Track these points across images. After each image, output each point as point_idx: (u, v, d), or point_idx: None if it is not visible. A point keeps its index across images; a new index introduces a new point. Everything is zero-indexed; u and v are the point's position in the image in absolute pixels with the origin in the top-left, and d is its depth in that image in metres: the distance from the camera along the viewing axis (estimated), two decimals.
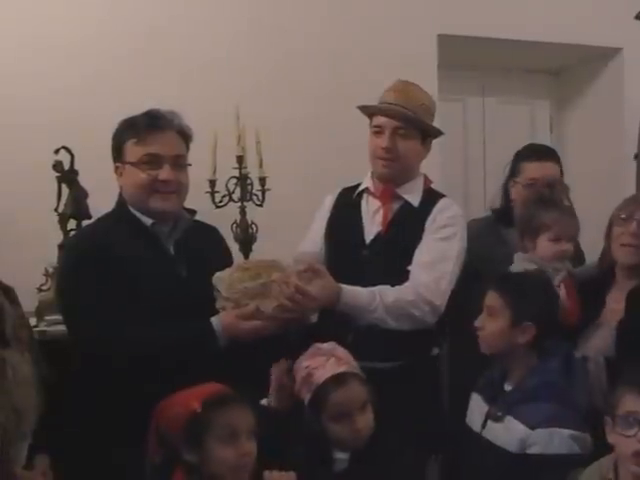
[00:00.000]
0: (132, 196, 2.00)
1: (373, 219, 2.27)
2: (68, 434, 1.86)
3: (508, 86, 4.31)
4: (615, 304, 2.16)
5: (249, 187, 2.98)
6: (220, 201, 2.95)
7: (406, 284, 2.12)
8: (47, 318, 2.57)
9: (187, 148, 2.07)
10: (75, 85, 3.08)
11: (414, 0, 3.59)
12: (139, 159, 1.96)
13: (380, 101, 2.29)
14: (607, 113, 4.11)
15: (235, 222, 2.97)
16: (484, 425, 1.98)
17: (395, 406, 1.88)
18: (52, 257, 2.70)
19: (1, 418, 1.66)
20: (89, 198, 2.77)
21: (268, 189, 2.97)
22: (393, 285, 2.11)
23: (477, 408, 2.04)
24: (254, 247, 2.98)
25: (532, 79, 4.40)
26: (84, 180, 2.78)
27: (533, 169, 2.57)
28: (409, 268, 2.16)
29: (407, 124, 2.23)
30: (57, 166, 2.73)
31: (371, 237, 2.25)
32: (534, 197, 2.45)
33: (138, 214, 2.00)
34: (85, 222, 2.71)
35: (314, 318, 2.10)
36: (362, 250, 2.24)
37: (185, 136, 2.05)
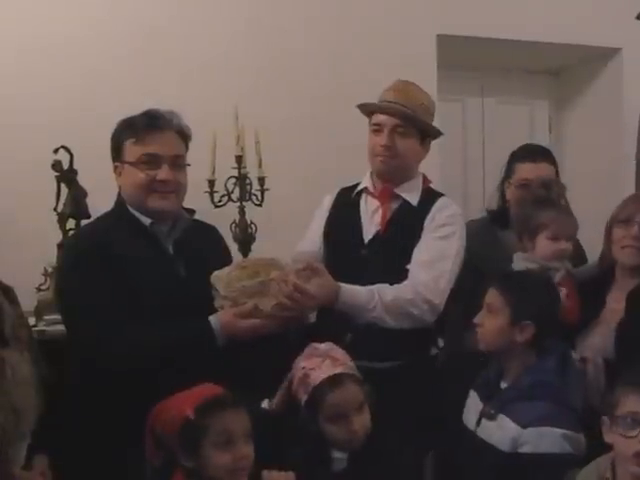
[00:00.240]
0: (131, 196, 2.00)
1: (372, 218, 2.27)
2: (67, 434, 1.86)
3: (507, 86, 4.31)
4: (615, 304, 2.16)
5: (248, 187, 2.98)
6: (219, 201, 2.96)
7: (405, 283, 2.12)
8: (46, 318, 2.57)
9: (186, 148, 2.07)
10: (74, 85, 3.08)
11: (414, 0, 3.59)
12: (138, 159, 1.96)
13: (380, 100, 2.30)
14: (606, 113, 4.11)
15: (234, 222, 2.97)
16: (478, 423, 1.98)
17: (394, 406, 1.88)
18: (51, 257, 2.70)
19: (0, 418, 1.66)
20: (88, 197, 2.78)
21: (267, 189, 2.98)
22: (392, 284, 2.11)
23: (473, 406, 2.04)
24: (253, 247, 2.99)
25: (531, 79, 4.40)
26: (83, 179, 2.78)
27: (527, 170, 2.57)
28: (408, 267, 2.16)
29: (406, 122, 2.23)
30: (56, 165, 2.73)
31: (370, 236, 2.25)
32: (531, 197, 2.45)
33: (137, 214, 2.00)
34: (84, 221, 2.71)
35: (313, 317, 2.10)
36: (361, 249, 2.24)
37: (184, 136, 2.05)
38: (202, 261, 2.00)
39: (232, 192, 2.98)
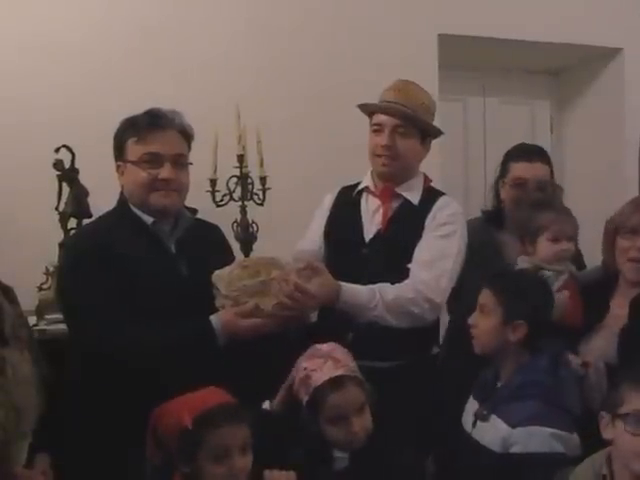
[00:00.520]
0: (133, 194, 2.01)
1: (373, 218, 2.27)
2: (68, 433, 1.86)
3: (509, 86, 4.31)
4: (619, 309, 2.14)
5: (250, 186, 2.98)
6: (221, 200, 2.96)
7: (406, 282, 2.12)
8: (47, 317, 2.58)
9: (188, 147, 2.07)
10: (76, 84, 3.09)
11: (414, 0, 3.59)
12: (140, 158, 1.97)
13: (380, 100, 2.30)
14: (607, 113, 4.11)
15: (236, 221, 2.97)
16: (474, 424, 1.98)
17: (395, 405, 1.88)
18: (52, 256, 2.70)
19: (1, 417, 1.66)
20: (90, 197, 2.78)
21: (269, 188, 2.98)
22: (393, 283, 2.11)
23: (471, 408, 2.04)
24: (254, 246, 2.99)
25: (533, 79, 4.40)
26: (85, 179, 2.78)
27: (521, 169, 2.57)
28: (409, 266, 2.16)
29: (407, 122, 2.23)
30: (58, 165, 2.73)
31: (371, 235, 2.25)
32: (529, 200, 2.44)
33: (139, 212, 2.01)
34: (85, 221, 2.71)
35: (314, 317, 2.10)
36: (362, 249, 2.24)
37: (186, 135, 2.05)
38: (204, 260, 2.00)
39: (234, 191, 2.98)
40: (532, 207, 2.36)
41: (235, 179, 2.97)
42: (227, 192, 2.97)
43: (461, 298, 2.27)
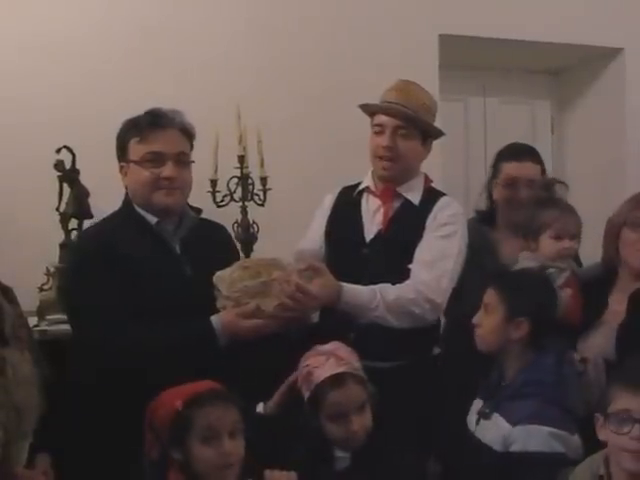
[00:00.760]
0: (136, 194, 2.02)
1: (373, 218, 2.27)
2: (69, 433, 1.86)
3: (509, 86, 4.31)
4: (617, 305, 2.15)
5: (250, 187, 2.99)
6: (221, 201, 2.96)
7: (407, 282, 2.12)
8: (48, 317, 2.58)
9: (190, 146, 2.08)
10: (77, 84, 3.09)
11: (415, 0, 3.59)
12: (142, 157, 1.98)
13: (381, 100, 2.29)
14: (608, 113, 4.11)
15: (236, 222, 2.97)
16: (477, 423, 1.98)
17: (396, 405, 1.88)
18: (53, 256, 2.70)
19: (2, 417, 1.66)
20: (90, 197, 2.78)
21: (269, 189, 2.98)
22: (393, 283, 2.11)
23: (476, 407, 2.04)
24: (255, 247, 2.99)
25: (533, 79, 4.39)
26: (85, 179, 2.79)
27: (511, 169, 2.58)
28: (410, 266, 2.16)
29: (408, 123, 2.22)
30: (58, 165, 2.74)
31: (371, 236, 2.25)
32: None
33: (143, 212, 2.02)
34: (86, 221, 2.72)
35: (315, 317, 2.10)
36: (362, 249, 2.24)
37: (188, 134, 2.06)
38: (209, 260, 2.00)
39: (234, 192, 2.98)
40: (536, 203, 2.37)
41: (236, 179, 2.97)
42: (228, 193, 2.97)
43: (461, 298, 2.27)
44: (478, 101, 4.30)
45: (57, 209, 2.76)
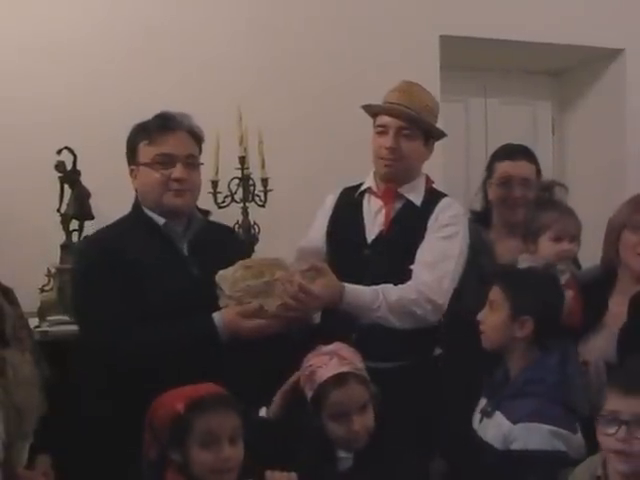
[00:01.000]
0: (146, 196, 2.03)
1: (375, 219, 2.27)
2: (70, 434, 1.86)
3: (510, 87, 4.31)
4: (617, 307, 2.14)
5: (251, 188, 2.99)
6: (222, 202, 2.96)
7: (408, 283, 2.12)
8: (49, 318, 2.58)
9: (199, 149, 2.10)
10: (78, 85, 3.08)
11: (416, 1, 3.59)
12: (152, 159, 2.00)
13: (384, 101, 2.29)
14: (609, 114, 4.10)
15: (237, 223, 2.97)
16: (480, 421, 1.98)
17: (398, 406, 1.87)
18: (54, 257, 2.70)
19: (2, 418, 1.66)
20: (91, 198, 2.78)
21: (270, 190, 2.98)
22: (395, 284, 2.11)
23: (480, 405, 2.04)
24: (256, 248, 2.98)
25: (534, 80, 4.39)
26: (86, 180, 2.79)
27: (505, 167, 2.59)
28: (411, 267, 2.16)
29: (411, 124, 2.23)
30: (59, 166, 2.74)
31: (373, 236, 2.25)
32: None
33: (151, 214, 2.03)
34: (87, 222, 2.72)
35: (317, 318, 2.10)
36: (364, 249, 2.24)
37: (196, 137, 2.09)
38: (216, 262, 1.99)
39: (235, 193, 2.98)
40: (536, 205, 2.37)
41: (237, 181, 2.98)
42: (229, 194, 2.97)
43: (460, 298, 2.28)
44: (479, 102, 4.30)
45: (58, 210, 2.76)
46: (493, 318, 2.00)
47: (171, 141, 2.00)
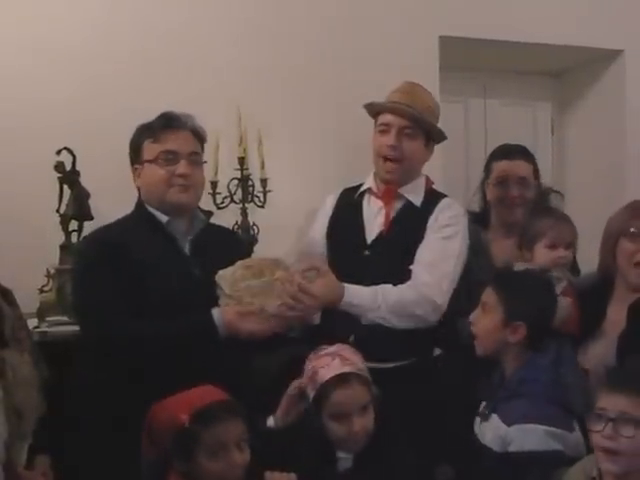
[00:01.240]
0: (150, 193, 2.05)
1: (375, 219, 2.28)
2: (69, 435, 1.86)
3: (510, 88, 4.30)
4: (616, 315, 2.13)
5: (251, 188, 2.99)
6: (221, 202, 2.96)
7: (408, 283, 2.13)
8: (48, 319, 2.57)
9: (202, 149, 2.13)
10: (77, 86, 3.08)
11: (416, 1, 3.58)
12: (157, 156, 2.02)
13: (386, 101, 2.29)
14: (609, 115, 4.10)
15: (236, 223, 2.97)
16: (480, 424, 1.98)
17: (397, 406, 1.88)
18: (54, 258, 2.69)
19: (1, 418, 1.66)
20: (91, 199, 2.77)
21: (270, 191, 2.98)
22: (395, 285, 2.11)
23: (480, 408, 2.03)
24: (255, 248, 2.98)
25: (534, 81, 4.39)
26: (86, 181, 2.78)
27: (502, 166, 2.60)
28: (411, 267, 2.16)
29: (414, 124, 2.23)
30: (59, 167, 2.73)
31: (373, 237, 2.25)
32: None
33: (154, 211, 2.04)
34: (87, 223, 2.72)
35: (317, 318, 2.10)
36: (363, 250, 2.24)
37: (199, 136, 2.12)
38: (218, 263, 2.00)
39: (234, 194, 2.98)
40: (532, 212, 2.37)
41: (236, 181, 2.97)
42: (228, 194, 2.97)
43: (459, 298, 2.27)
44: (478, 103, 4.29)
45: (57, 210, 2.75)
46: (485, 321, 1.98)
47: (175, 139, 2.04)
